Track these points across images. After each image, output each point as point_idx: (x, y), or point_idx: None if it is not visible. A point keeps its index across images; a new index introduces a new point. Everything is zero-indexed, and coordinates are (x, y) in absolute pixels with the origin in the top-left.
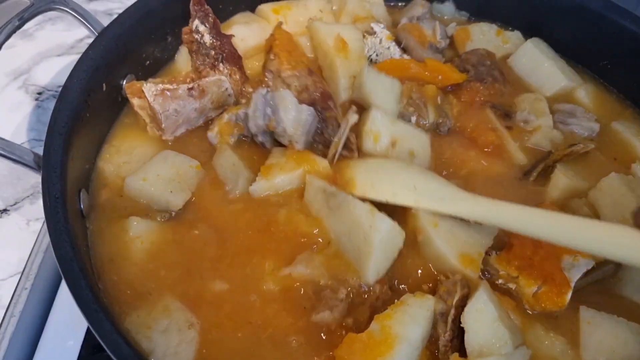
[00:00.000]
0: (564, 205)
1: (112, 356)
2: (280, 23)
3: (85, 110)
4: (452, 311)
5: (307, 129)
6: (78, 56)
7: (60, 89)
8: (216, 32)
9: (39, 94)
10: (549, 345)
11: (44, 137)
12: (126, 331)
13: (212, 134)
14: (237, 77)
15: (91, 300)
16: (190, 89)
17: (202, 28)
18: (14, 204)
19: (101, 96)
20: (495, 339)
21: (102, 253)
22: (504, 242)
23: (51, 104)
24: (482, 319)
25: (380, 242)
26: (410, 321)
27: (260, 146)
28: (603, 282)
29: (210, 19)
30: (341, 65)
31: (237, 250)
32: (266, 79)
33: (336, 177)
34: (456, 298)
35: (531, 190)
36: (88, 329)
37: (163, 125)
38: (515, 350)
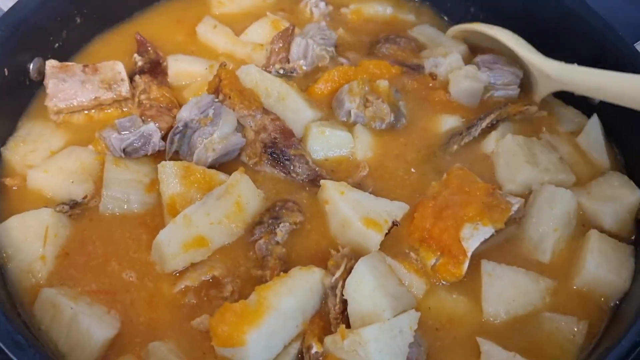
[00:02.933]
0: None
1: None
2: (224, 63)
3: None
4: (340, 284)
5: (227, 150)
6: None
7: None
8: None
9: None
10: (452, 306)
11: None
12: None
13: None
14: (154, 87)
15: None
16: (84, 67)
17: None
18: None
19: (2, 81)
20: (374, 307)
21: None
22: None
23: None
24: (361, 289)
25: None
26: (286, 292)
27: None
28: (503, 246)
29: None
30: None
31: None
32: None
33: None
34: (341, 270)
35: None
36: None
37: (48, 90)
38: (402, 315)
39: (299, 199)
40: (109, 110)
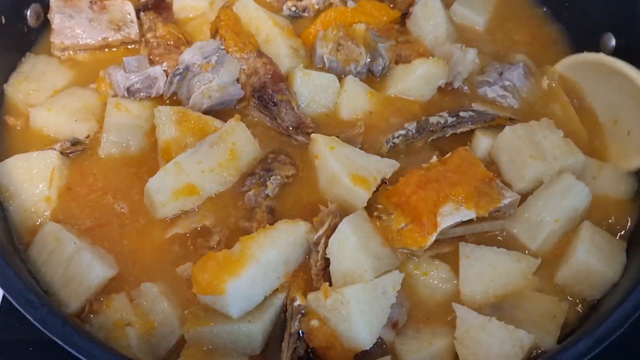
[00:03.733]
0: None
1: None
2: (227, 4)
3: None
4: (323, 241)
5: (224, 99)
6: None
7: None
8: None
9: None
10: (434, 273)
11: None
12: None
13: (94, 85)
14: (160, 25)
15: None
16: (92, 3)
17: None
18: None
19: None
20: (356, 267)
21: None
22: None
23: None
24: (344, 248)
25: None
26: (269, 244)
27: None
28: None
29: None
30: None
31: None
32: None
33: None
34: (325, 227)
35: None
36: None
37: (53, 26)
38: (385, 275)
39: (292, 152)
40: (115, 49)
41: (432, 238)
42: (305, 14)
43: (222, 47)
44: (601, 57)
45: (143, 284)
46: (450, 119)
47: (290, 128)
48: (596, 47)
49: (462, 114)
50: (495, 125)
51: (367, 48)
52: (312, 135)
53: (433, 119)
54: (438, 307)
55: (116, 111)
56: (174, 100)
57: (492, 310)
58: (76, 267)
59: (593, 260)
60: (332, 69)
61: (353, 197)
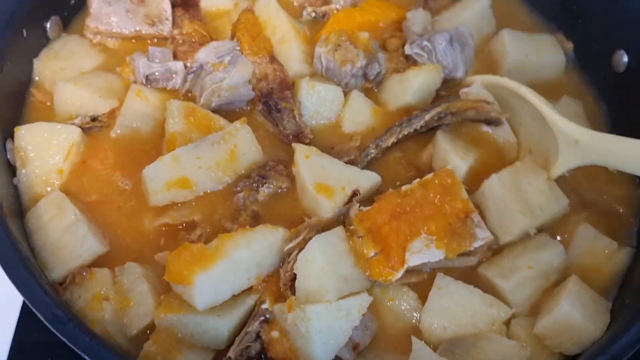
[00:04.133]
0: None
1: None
2: (250, 7)
3: (4, 60)
4: (295, 253)
5: (233, 99)
6: None
7: None
8: None
9: None
10: (400, 300)
11: None
12: None
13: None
14: (186, 22)
15: (11, 250)
16: None
17: None
18: None
19: (22, 42)
20: (319, 287)
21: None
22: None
23: None
24: (310, 267)
25: None
26: (244, 244)
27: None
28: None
29: None
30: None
31: None
32: None
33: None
34: (298, 240)
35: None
36: None
37: (91, 10)
38: (352, 298)
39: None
40: (146, 40)
41: (399, 275)
42: (325, 20)
43: (237, 48)
44: (502, 80)
45: (128, 263)
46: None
47: (291, 136)
48: (609, 64)
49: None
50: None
51: (365, 53)
52: (293, 144)
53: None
54: (400, 334)
55: (136, 98)
56: (189, 97)
57: (448, 346)
58: (71, 237)
59: (576, 314)
60: (330, 69)
61: (317, 206)
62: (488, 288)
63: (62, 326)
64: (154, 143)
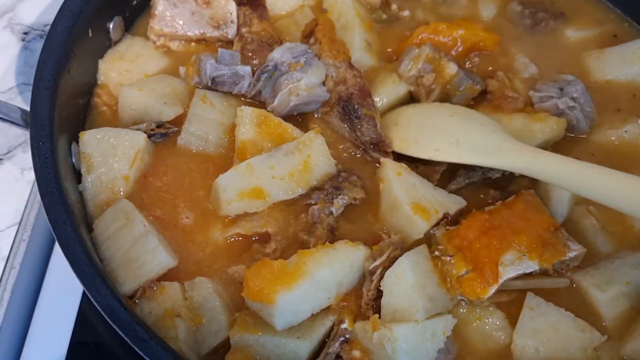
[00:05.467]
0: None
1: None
2: (325, 11)
3: (71, 61)
4: (379, 271)
5: (310, 100)
6: None
7: (47, 27)
8: None
9: (25, 34)
10: (488, 320)
11: (32, 81)
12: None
13: (183, 68)
14: (255, 21)
15: (86, 265)
16: None
17: None
18: (7, 153)
19: (87, 43)
20: (408, 305)
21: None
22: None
23: (38, 45)
24: (399, 284)
25: None
26: (326, 262)
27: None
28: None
29: None
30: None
31: None
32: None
33: None
34: (383, 258)
35: None
36: None
37: (155, 11)
38: (437, 319)
39: (363, 173)
40: (208, 43)
41: (493, 290)
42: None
43: (310, 50)
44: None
45: (198, 278)
46: None
47: (370, 144)
48: None
49: None
50: None
51: (441, 95)
52: (382, 159)
53: None
54: (488, 355)
55: (201, 103)
56: (254, 103)
57: None
58: (140, 249)
59: None
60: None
61: (411, 226)
62: (578, 303)
63: (144, 344)
64: (220, 154)
